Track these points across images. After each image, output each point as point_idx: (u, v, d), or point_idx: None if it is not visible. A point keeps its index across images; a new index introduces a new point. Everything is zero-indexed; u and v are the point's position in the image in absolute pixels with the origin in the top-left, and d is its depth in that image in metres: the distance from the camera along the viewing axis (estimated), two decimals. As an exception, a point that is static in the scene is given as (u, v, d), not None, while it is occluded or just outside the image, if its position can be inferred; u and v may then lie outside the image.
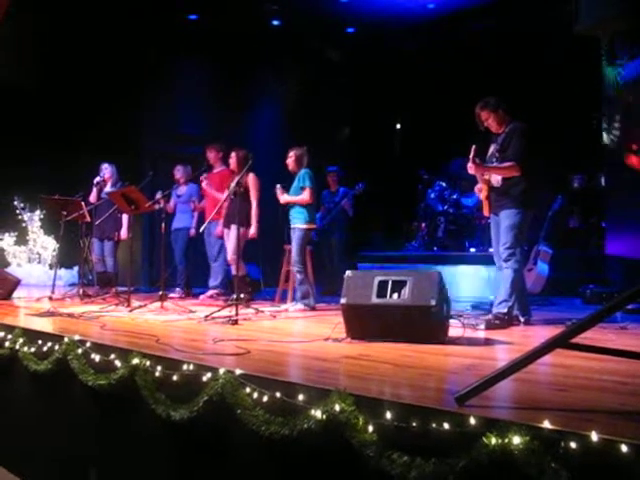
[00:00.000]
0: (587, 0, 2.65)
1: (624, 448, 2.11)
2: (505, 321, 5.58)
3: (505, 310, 5.60)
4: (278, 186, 7.28)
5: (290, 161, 7.32)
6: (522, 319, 5.82)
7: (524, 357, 2.65)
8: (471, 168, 5.88)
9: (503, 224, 5.78)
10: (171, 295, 8.35)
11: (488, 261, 9.20)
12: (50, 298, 7.96)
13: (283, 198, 7.28)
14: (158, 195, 8.05)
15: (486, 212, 6.09)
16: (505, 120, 5.91)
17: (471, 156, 5.80)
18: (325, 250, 9.76)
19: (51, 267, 11.32)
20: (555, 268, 8.13)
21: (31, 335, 5.12)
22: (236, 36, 10.84)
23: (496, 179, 5.86)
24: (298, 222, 7.19)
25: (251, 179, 7.71)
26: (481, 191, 6.06)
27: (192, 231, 9.07)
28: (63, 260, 10.22)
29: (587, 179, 9.81)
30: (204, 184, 8.27)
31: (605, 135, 8.50)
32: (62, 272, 10.88)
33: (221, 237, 8.38)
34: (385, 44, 11.12)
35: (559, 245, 8.67)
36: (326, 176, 9.69)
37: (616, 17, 2.30)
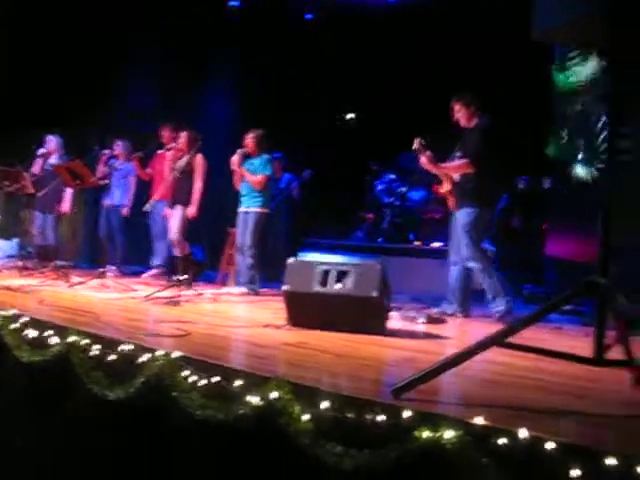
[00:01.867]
0: (544, 6, 2.68)
1: (551, 445, 2.17)
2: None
3: (503, 307, 5.63)
4: (239, 151, 7.16)
5: (250, 142, 7.23)
6: (460, 314, 5.92)
7: (461, 353, 2.70)
8: (423, 163, 5.93)
9: (460, 222, 5.83)
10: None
11: (431, 255, 9.36)
12: (-13, 270, 7.79)
13: (238, 166, 7.17)
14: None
15: (451, 206, 6.08)
16: (474, 117, 5.98)
17: (415, 147, 5.86)
18: (270, 236, 9.76)
19: (-11, 238, 11.04)
20: (496, 266, 8.25)
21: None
22: (192, 14, 10.69)
23: (455, 174, 5.92)
24: (254, 206, 7.15)
25: (198, 159, 7.63)
26: (444, 186, 6.08)
27: (125, 209, 8.94)
28: (2, 231, 9.98)
29: (532, 181, 9.98)
30: (136, 163, 8.21)
31: (552, 146, 8.67)
32: (1, 243, 10.62)
33: (166, 216, 8.29)
34: (342, 33, 11.10)
35: (501, 243, 8.81)
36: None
37: (572, 23, 2.34)
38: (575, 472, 2.08)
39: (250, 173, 7.15)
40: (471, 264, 5.75)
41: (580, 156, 7.89)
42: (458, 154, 6.00)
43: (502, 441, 2.25)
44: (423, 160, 5.94)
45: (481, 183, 5.76)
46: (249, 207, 7.18)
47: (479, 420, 2.35)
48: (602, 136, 7.12)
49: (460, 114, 6.01)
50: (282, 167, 9.87)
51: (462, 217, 5.82)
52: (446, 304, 6.11)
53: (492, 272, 5.78)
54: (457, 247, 5.99)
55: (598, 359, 2.61)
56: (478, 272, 5.74)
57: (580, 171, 7.91)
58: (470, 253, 5.72)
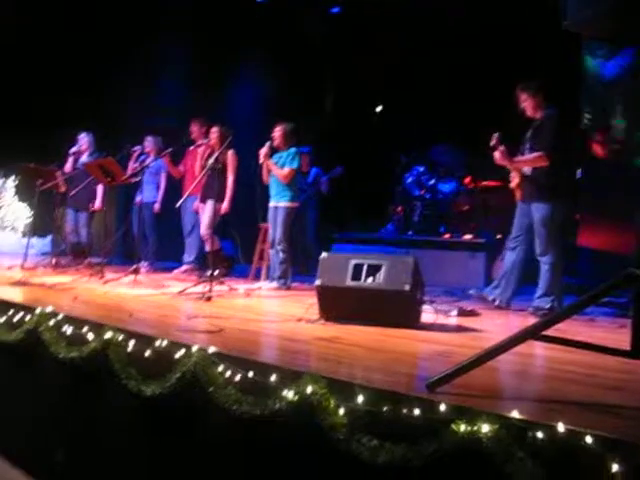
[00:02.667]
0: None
1: (589, 439, 2.16)
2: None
3: (548, 306, 5.55)
4: (268, 144, 7.16)
5: (277, 135, 7.22)
6: (497, 302, 5.90)
7: (496, 347, 2.69)
8: (498, 158, 5.87)
9: (535, 217, 5.73)
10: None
11: (462, 247, 9.30)
12: (22, 267, 7.89)
13: (266, 159, 7.15)
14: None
15: (519, 198, 5.97)
16: (542, 106, 5.84)
17: (492, 143, 5.78)
18: (298, 230, 9.78)
19: (24, 235, 11.20)
20: (529, 256, 8.19)
21: (2, 305, 5.08)
22: (220, 10, 10.72)
23: (526, 167, 5.85)
24: (283, 200, 7.16)
25: (230, 155, 7.67)
26: (514, 179, 5.98)
27: (156, 206, 9.00)
28: (36, 229, 10.11)
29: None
30: (166, 160, 8.32)
31: (596, 145, 8.57)
32: (35, 241, 10.76)
33: (197, 212, 8.34)
34: (369, 25, 11.05)
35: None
36: None
37: (604, 15, 2.32)
38: (615, 466, 2.06)
39: (278, 166, 7.16)
40: (543, 258, 5.68)
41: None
42: (528, 146, 5.87)
43: (539, 435, 2.24)
44: (497, 155, 5.87)
45: (555, 176, 5.65)
46: (278, 202, 7.19)
47: (515, 414, 2.34)
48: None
49: (527, 104, 5.86)
50: (310, 161, 9.88)
51: (538, 211, 5.69)
52: (490, 288, 6.09)
53: (559, 271, 5.70)
54: (519, 235, 5.91)
55: (636, 351, 2.58)
56: (546, 266, 5.65)
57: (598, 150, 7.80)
58: (544, 247, 5.63)
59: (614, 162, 8.12)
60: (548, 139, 5.67)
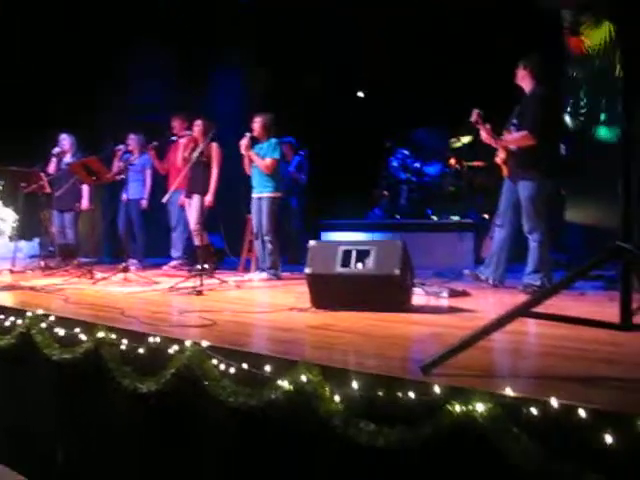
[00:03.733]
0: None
1: (582, 413, 2.18)
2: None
3: (538, 282, 5.58)
4: (248, 135, 7.16)
5: (257, 126, 7.22)
6: (491, 281, 5.94)
7: (488, 326, 2.70)
8: (484, 137, 5.88)
9: (522, 195, 5.75)
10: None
11: (450, 228, 9.34)
12: (11, 271, 7.87)
13: (247, 151, 7.18)
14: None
15: (506, 174, 6.01)
16: (533, 83, 5.85)
17: (473, 119, 5.79)
18: (284, 219, 9.79)
19: (11, 239, 11.13)
20: (517, 234, 8.23)
21: (-8, 309, 5.06)
22: (200, 5, 10.66)
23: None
24: (267, 191, 7.16)
25: (214, 148, 7.67)
26: (500, 154, 6.00)
27: (144, 202, 8.98)
28: (23, 232, 10.07)
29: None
30: (152, 154, 8.31)
31: (568, 117, 8.61)
32: (22, 244, 10.71)
33: (183, 206, 8.32)
34: (348, 11, 11.01)
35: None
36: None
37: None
38: (609, 438, 2.08)
39: (259, 157, 7.15)
40: (531, 235, 5.70)
41: (603, 117, 7.81)
42: (515, 121, 5.88)
43: (533, 411, 2.26)
44: (483, 134, 5.88)
45: (542, 153, 5.67)
46: (262, 193, 7.18)
47: (509, 391, 2.36)
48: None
49: (525, 80, 5.88)
50: (293, 151, 9.88)
51: (525, 189, 5.72)
52: (482, 267, 6.13)
53: (547, 247, 5.73)
54: (507, 212, 5.95)
55: (625, 324, 2.60)
56: (534, 243, 5.69)
57: (604, 133, 7.82)
58: (532, 224, 5.66)
59: (582, 133, 8.19)
60: (534, 118, 5.69)
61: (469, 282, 6.16)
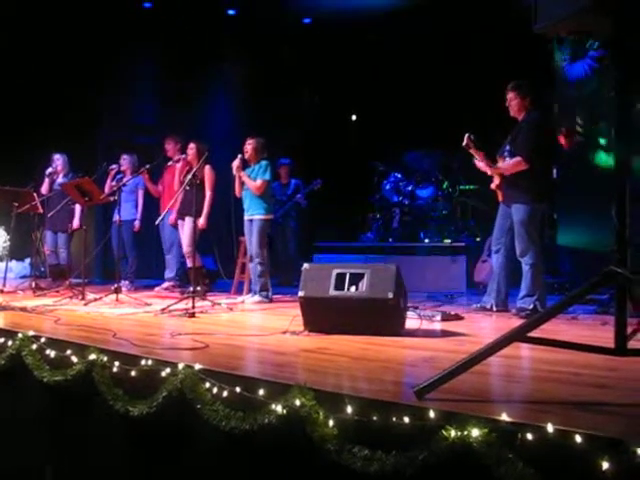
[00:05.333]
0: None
1: (578, 438, 2.17)
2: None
3: (531, 306, 5.59)
4: (240, 156, 7.16)
5: (249, 149, 7.24)
6: (495, 308, 5.96)
7: (482, 351, 2.70)
8: (479, 166, 5.92)
9: (514, 218, 5.79)
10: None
11: (443, 251, 9.34)
12: (1, 291, 7.82)
13: (239, 172, 7.18)
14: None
15: (500, 198, 6.06)
16: (527, 108, 5.89)
17: (464, 144, 5.82)
18: (279, 242, 9.79)
19: (1, 259, 11.08)
20: (515, 259, 8.25)
21: (-18, 331, 5.02)
22: (191, 25, 10.73)
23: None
24: (258, 213, 7.15)
25: (207, 171, 7.68)
26: (495, 180, 6.04)
27: (136, 223, 8.95)
28: (14, 252, 10.02)
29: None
30: (145, 177, 8.40)
31: (562, 137, 8.68)
32: (13, 264, 10.66)
33: (175, 227, 8.30)
34: (341, 35, 11.10)
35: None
36: (277, 168, 9.70)
37: (572, 15, 2.34)
38: (605, 465, 2.07)
39: (250, 179, 7.16)
40: (523, 258, 5.72)
41: (602, 142, 7.85)
42: (508, 147, 5.92)
43: (529, 437, 2.25)
44: (478, 163, 5.94)
45: (534, 179, 5.72)
46: (253, 215, 7.18)
47: (504, 417, 2.35)
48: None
49: (513, 103, 5.91)
50: (290, 173, 9.90)
51: (517, 212, 5.76)
52: (485, 297, 6.12)
53: (540, 270, 5.75)
54: (502, 237, 5.99)
55: (620, 349, 2.60)
56: (527, 266, 5.71)
57: (604, 158, 7.87)
58: (524, 247, 5.69)
59: (578, 157, 8.25)
60: (527, 144, 5.75)
61: (462, 305, 6.16)
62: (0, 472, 4.63)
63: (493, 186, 6.05)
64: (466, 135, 5.87)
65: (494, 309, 5.98)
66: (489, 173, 6.02)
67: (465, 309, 6.19)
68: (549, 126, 5.83)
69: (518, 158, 5.75)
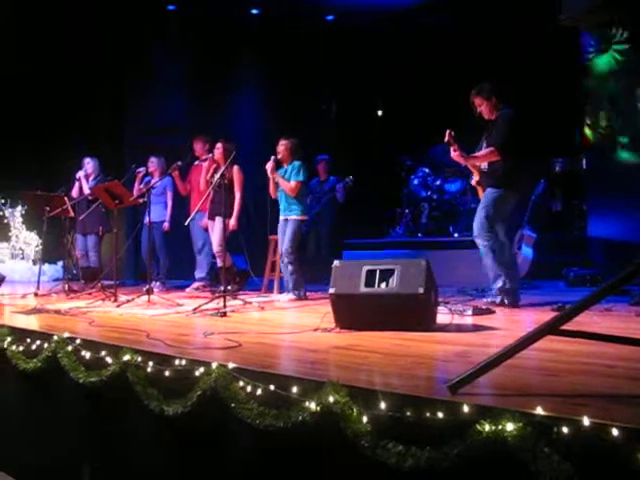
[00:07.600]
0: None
1: (615, 432, 2.14)
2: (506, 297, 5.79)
3: (499, 285, 5.78)
4: (273, 158, 7.20)
5: (281, 150, 7.26)
6: (507, 302, 5.89)
7: (515, 345, 2.68)
8: (453, 156, 5.97)
9: (482, 200, 5.96)
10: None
11: (472, 245, 9.29)
12: (36, 294, 7.93)
13: (273, 173, 7.23)
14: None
15: (481, 195, 6.17)
16: (497, 108, 6.03)
17: (446, 139, 5.89)
18: (313, 239, 9.80)
19: (35, 263, 11.24)
20: (539, 251, 8.20)
21: (19, 333, 5.09)
22: (215, 26, 10.79)
23: (483, 164, 5.97)
24: (293, 214, 7.20)
25: (235, 171, 7.70)
26: (474, 177, 6.22)
27: (166, 225, 9.02)
28: (46, 255, 10.16)
29: (569, 162, 9.87)
30: (175, 174, 8.45)
31: (587, 129, 8.60)
32: (45, 267, 10.80)
33: (206, 229, 8.36)
34: (365, 31, 11.09)
35: (543, 228, 8.74)
36: (315, 165, 9.72)
37: (600, 7, 2.32)
38: (643, 457, 2.05)
39: (285, 180, 7.18)
40: (477, 240, 5.88)
41: (623, 139, 7.80)
42: (484, 145, 6.06)
43: (565, 430, 2.23)
44: (452, 153, 5.99)
45: (508, 169, 5.85)
46: (288, 215, 7.23)
47: (539, 410, 2.33)
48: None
49: (483, 107, 6.08)
50: (328, 169, 9.91)
51: (486, 196, 5.93)
52: (490, 295, 6.09)
53: (495, 253, 5.82)
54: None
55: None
56: (482, 248, 5.86)
57: (625, 155, 7.82)
58: (478, 229, 5.85)
59: (607, 149, 8.19)
60: (500, 136, 5.88)
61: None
62: (39, 470, 4.70)
63: (473, 182, 6.20)
64: (447, 131, 5.93)
65: (506, 303, 5.95)
66: (463, 163, 6.18)
67: (483, 299, 6.17)
68: (522, 121, 5.93)
69: (491, 148, 5.89)
